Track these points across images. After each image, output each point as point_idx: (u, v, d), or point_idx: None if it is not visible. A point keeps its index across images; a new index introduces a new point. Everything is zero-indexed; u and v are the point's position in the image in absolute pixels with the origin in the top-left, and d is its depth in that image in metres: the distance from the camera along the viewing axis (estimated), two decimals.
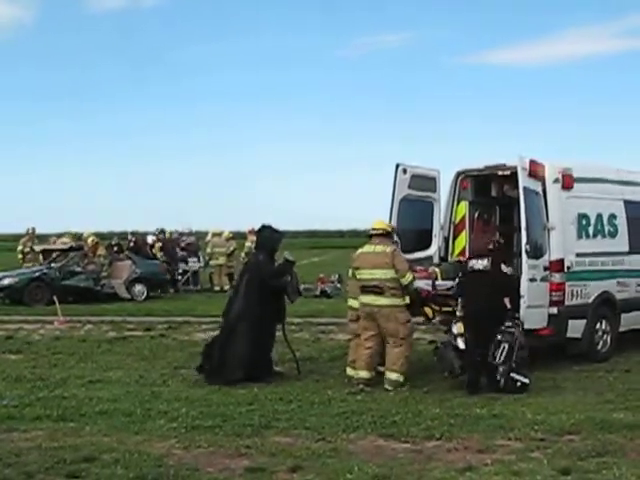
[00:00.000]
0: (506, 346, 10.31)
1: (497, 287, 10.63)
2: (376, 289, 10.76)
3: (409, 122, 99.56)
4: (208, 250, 26.73)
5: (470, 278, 10.96)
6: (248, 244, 25.90)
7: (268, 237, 11.92)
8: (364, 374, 10.82)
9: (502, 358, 10.27)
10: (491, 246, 11.39)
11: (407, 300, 10.90)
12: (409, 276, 10.81)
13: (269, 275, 11.50)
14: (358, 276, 11.07)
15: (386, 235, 11.08)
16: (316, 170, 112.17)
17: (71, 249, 24.13)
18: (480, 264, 10.83)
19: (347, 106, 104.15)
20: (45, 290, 22.02)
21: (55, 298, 19.56)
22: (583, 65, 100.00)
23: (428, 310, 11.50)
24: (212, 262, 26.51)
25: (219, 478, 7.05)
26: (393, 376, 10.64)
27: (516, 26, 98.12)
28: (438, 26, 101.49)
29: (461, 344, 10.62)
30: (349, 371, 11.29)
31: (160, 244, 26.64)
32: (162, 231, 27.59)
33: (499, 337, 10.38)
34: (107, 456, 7.57)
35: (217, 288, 25.71)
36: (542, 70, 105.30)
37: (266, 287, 11.41)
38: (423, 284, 11.36)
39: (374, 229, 11.15)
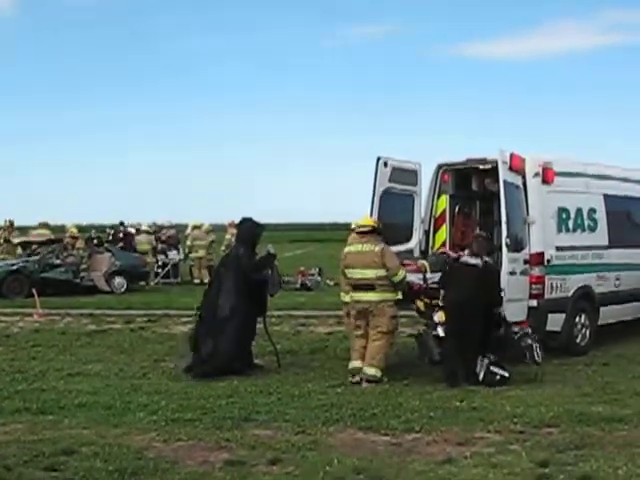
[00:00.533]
0: (538, 345, 10.66)
1: (485, 282, 10.59)
2: (367, 287, 10.73)
3: (391, 115, 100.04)
4: (188, 243, 26.68)
5: (458, 270, 10.89)
6: (228, 237, 25.84)
7: (249, 230, 11.88)
8: (358, 364, 10.78)
9: (540, 355, 10.67)
10: (487, 252, 11.28)
11: (399, 295, 10.87)
12: (401, 273, 10.76)
13: (250, 268, 11.45)
14: (348, 275, 11.02)
15: (373, 232, 11.00)
16: (297, 163, 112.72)
17: (50, 241, 23.97)
18: (473, 261, 10.77)
19: (328, 99, 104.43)
20: (24, 283, 21.86)
21: (34, 291, 19.48)
22: (566, 59, 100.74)
23: (420, 303, 11.42)
24: (192, 255, 26.47)
25: (199, 471, 7.02)
26: (371, 371, 10.59)
27: (498, 19, 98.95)
28: (421, 18, 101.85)
29: (441, 332, 10.64)
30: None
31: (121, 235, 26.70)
32: (121, 223, 27.59)
33: (529, 341, 10.64)
34: (86, 449, 7.53)
35: (197, 281, 25.61)
36: (526, 64, 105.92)
37: (249, 281, 11.37)
38: (415, 278, 11.32)
39: (361, 226, 11.09)
